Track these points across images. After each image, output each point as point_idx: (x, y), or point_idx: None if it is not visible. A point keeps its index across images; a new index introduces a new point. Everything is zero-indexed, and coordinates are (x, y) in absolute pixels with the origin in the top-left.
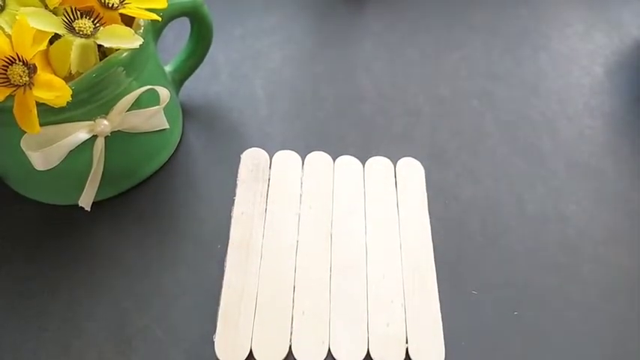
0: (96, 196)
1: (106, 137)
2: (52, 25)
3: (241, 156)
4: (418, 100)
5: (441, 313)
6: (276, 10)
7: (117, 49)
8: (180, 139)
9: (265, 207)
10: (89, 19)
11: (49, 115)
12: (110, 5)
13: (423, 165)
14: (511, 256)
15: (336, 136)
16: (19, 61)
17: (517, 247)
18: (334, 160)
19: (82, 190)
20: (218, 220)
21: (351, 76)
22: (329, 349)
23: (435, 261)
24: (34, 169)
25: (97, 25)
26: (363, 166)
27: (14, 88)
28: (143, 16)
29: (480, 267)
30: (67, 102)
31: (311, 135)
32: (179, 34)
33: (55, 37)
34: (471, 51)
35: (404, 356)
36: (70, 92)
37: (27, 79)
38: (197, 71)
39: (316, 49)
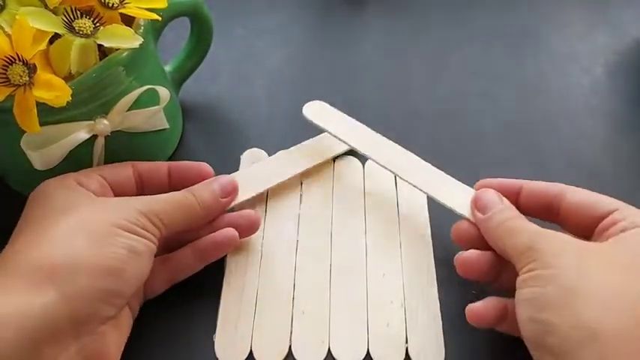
0: None
1: (106, 137)
2: (52, 24)
3: (241, 156)
4: (418, 100)
5: (441, 313)
6: (276, 10)
7: (117, 49)
8: (180, 139)
9: (265, 207)
10: (89, 18)
11: (49, 114)
12: (110, 5)
13: None
14: None
15: None
16: (19, 60)
17: None
18: (334, 160)
19: None
20: None
21: (351, 76)
22: (329, 349)
23: (435, 261)
24: (34, 168)
25: (97, 24)
26: (363, 166)
27: (14, 88)
28: (143, 16)
29: None
30: (67, 102)
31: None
32: (179, 34)
33: (55, 36)
34: (470, 51)
35: (404, 356)
36: (70, 92)
37: (27, 78)
38: (197, 71)
39: (316, 49)
